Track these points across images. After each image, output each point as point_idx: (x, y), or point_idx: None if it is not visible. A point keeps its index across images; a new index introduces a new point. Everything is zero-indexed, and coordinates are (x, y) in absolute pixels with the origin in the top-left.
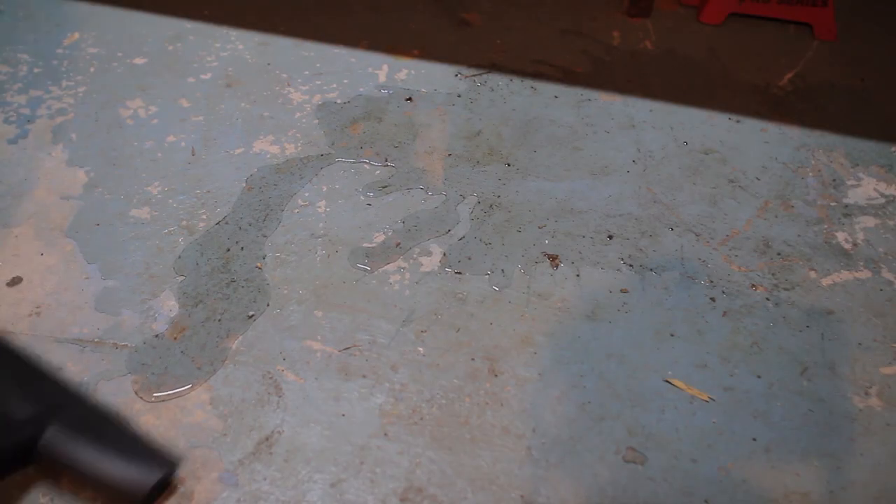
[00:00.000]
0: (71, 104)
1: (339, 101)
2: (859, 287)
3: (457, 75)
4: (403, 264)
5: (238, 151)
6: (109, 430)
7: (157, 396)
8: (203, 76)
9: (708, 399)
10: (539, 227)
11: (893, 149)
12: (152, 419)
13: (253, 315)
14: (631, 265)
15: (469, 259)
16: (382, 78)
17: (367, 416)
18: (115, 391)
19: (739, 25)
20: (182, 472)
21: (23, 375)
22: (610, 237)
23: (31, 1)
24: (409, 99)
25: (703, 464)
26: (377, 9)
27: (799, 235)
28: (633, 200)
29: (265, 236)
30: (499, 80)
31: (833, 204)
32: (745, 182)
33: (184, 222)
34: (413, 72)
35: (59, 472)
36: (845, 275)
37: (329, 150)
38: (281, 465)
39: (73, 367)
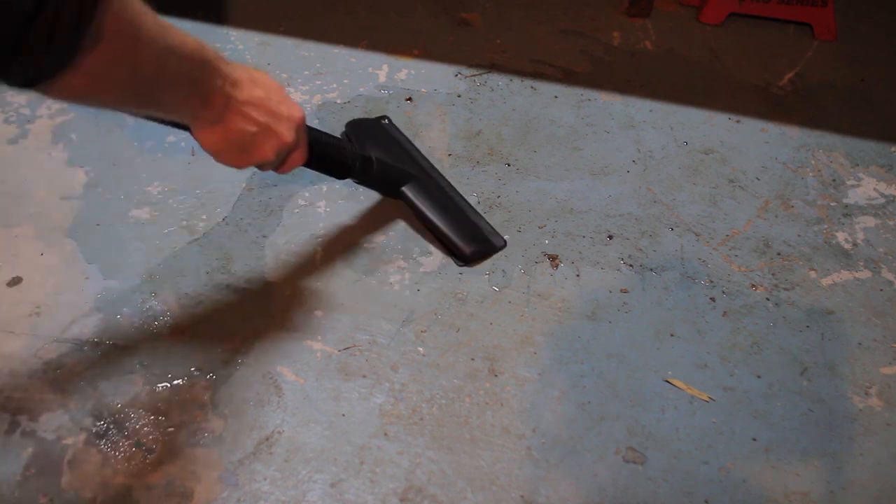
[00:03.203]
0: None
1: (339, 101)
2: (859, 287)
3: (457, 75)
4: (403, 264)
5: None
6: (458, 204)
7: (158, 396)
8: None
9: (708, 399)
10: (539, 227)
11: (893, 149)
12: (152, 419)
13: (253, 315)
14: (631, 265)
15: None
16: (382, 78)
17: (367, 416)
18: (114, 391)
19: (739, 25)
20: (182, 471)
21: (406, 147)
22: (610, 237)
23: None
24: (409, 99)
25: (703, 463)
26: (377, 9)
27: (799, 235)
28: (633, 200)
29: (265, 237)
30: (499, 80)
31: (833, 204)
32: (745, 182)
33: (184, 222)
34: (413, 72)
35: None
36: (845, 275)
37: None
38: (281, 465)
39: (73, 367)
